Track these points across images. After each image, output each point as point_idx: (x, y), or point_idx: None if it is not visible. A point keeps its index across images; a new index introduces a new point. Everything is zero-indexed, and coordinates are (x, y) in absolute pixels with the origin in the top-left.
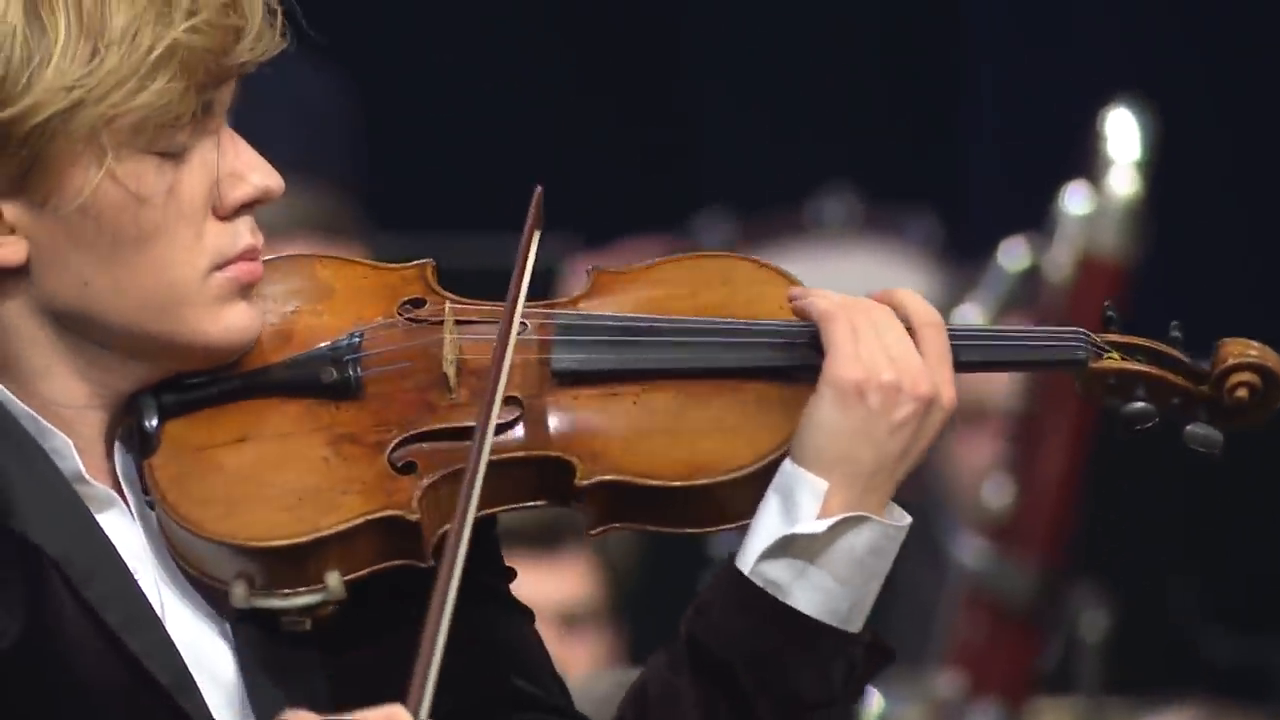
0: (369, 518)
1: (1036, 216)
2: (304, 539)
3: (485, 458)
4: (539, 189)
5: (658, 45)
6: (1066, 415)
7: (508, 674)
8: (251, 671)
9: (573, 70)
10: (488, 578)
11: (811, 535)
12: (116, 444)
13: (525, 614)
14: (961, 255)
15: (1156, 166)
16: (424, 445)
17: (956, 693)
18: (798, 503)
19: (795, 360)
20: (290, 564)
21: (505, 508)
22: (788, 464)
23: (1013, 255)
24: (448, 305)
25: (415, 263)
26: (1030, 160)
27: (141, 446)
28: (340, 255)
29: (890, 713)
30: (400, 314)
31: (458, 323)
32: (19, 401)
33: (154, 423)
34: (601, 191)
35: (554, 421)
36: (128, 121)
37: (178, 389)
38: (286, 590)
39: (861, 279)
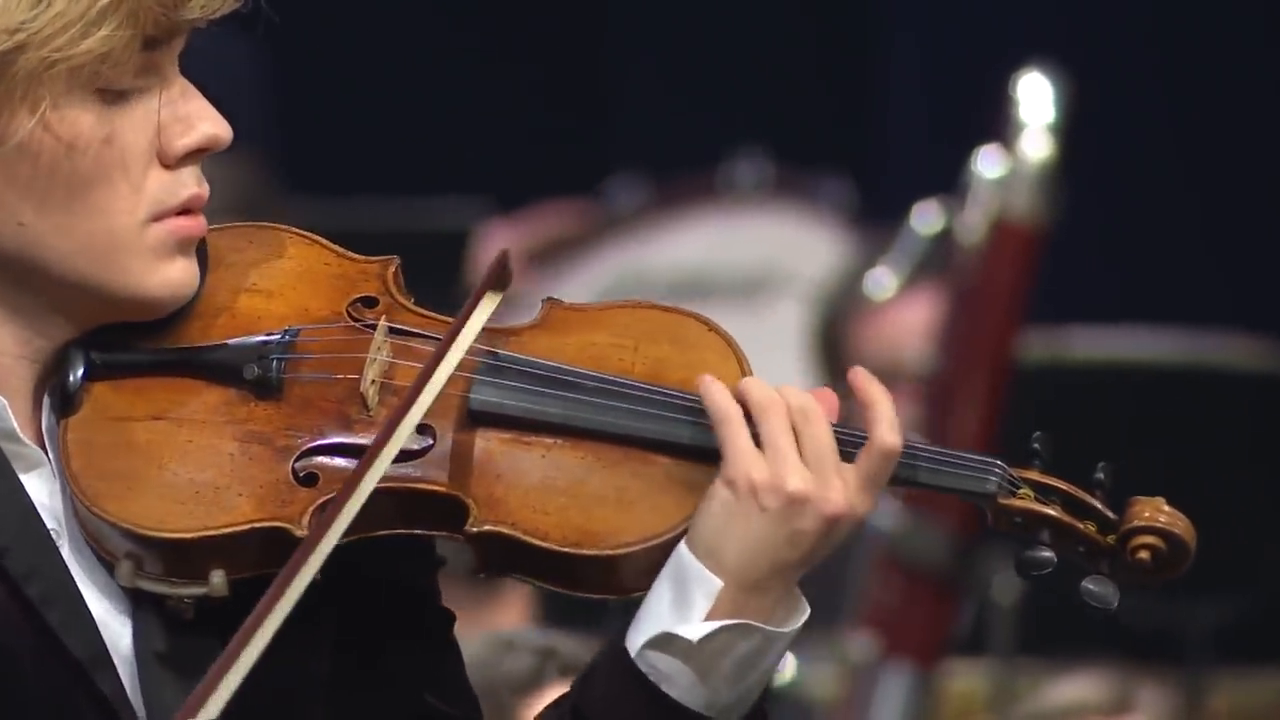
0: (255, 526)
1: (949, 180)
2: (190, 535)
3: (370, 484)
4: (505, 250)
5: (573, 10)
6: (981, 379)
7: (423, 690)
8: (146, 652)
9: (488, 34)
10: (416, 575)
11: (692, 640)
12: (45, 399)
13: (446, 618)
14: (874, 218)
15: (1069, 130)
16: (330, 460)
17: (869, 655)
18: (690, 599)
19: (710, 442)
20: (176, 556)
21: (393, 532)
22: (686, 553)
23: (925, 219)
24: (381, 321)
25: (379, 258)
26: (943, 124)
27: (62, 403)
28: (309, 235)
29: (803, 675)
30: (348, 312)
31: (395, 331)
32: None
33: (79, 377)
34: (516, 156)
35: (459, 459)
36: (69, 66)
37: (109, 349)
38: (172, 579)
39: (774, 243)
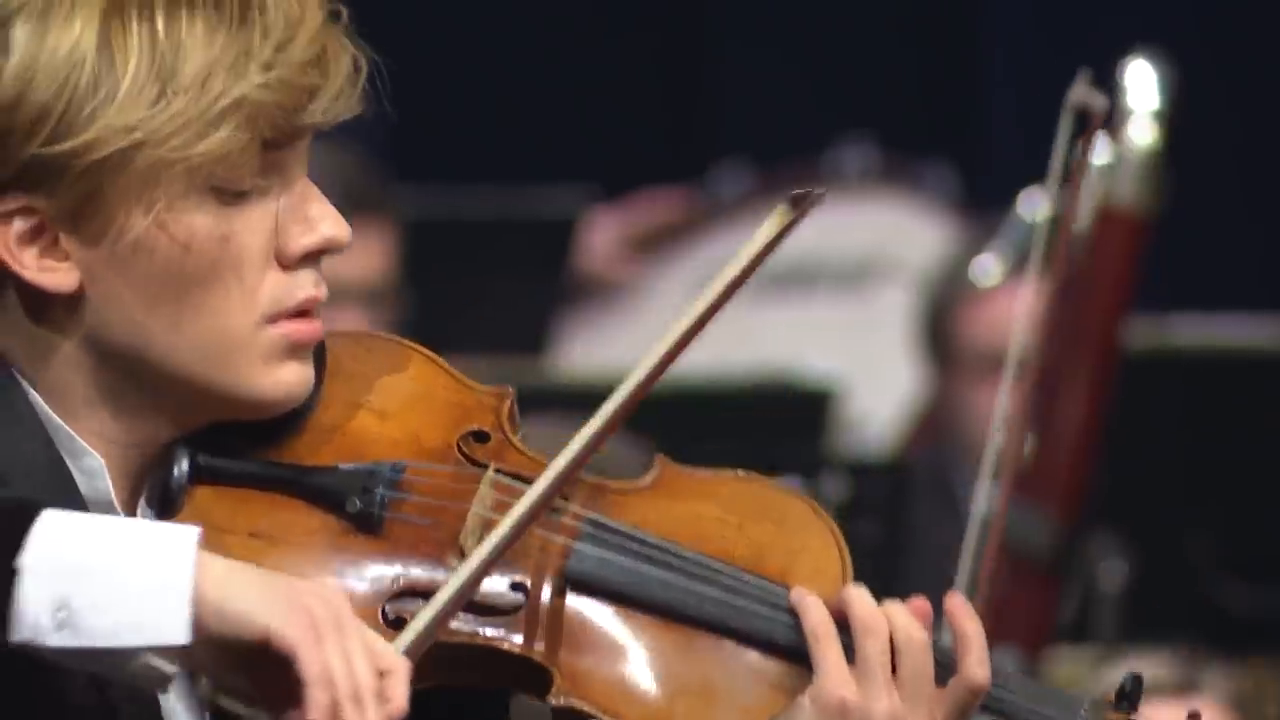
0: None
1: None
2: None
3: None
4: (823, 192)
5: None
6: (1086, 366)
7: None
8: None
9: (593, 22)
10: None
11: None
12: (142, 497)
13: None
14: (980, 205)
15: (1175, 118)
16: (422, 604)
17: None
18: None
19: (802, 645)
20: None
21: (474, 685)
22: None
23: (1031, 206)
24: (489, 472)
25: (495, 389)
26: (1049, 110)
27: (163, 501)
28: (429, 354)
29: None
30: (458, 447)
31: (500, 473)
32: (55, 416)
33: (184, 475)
34: (621, 142)
35: (550, 624)
36: (186, 167)
37: (216, 453)
38: (248, 703)
39: (880, 230)
